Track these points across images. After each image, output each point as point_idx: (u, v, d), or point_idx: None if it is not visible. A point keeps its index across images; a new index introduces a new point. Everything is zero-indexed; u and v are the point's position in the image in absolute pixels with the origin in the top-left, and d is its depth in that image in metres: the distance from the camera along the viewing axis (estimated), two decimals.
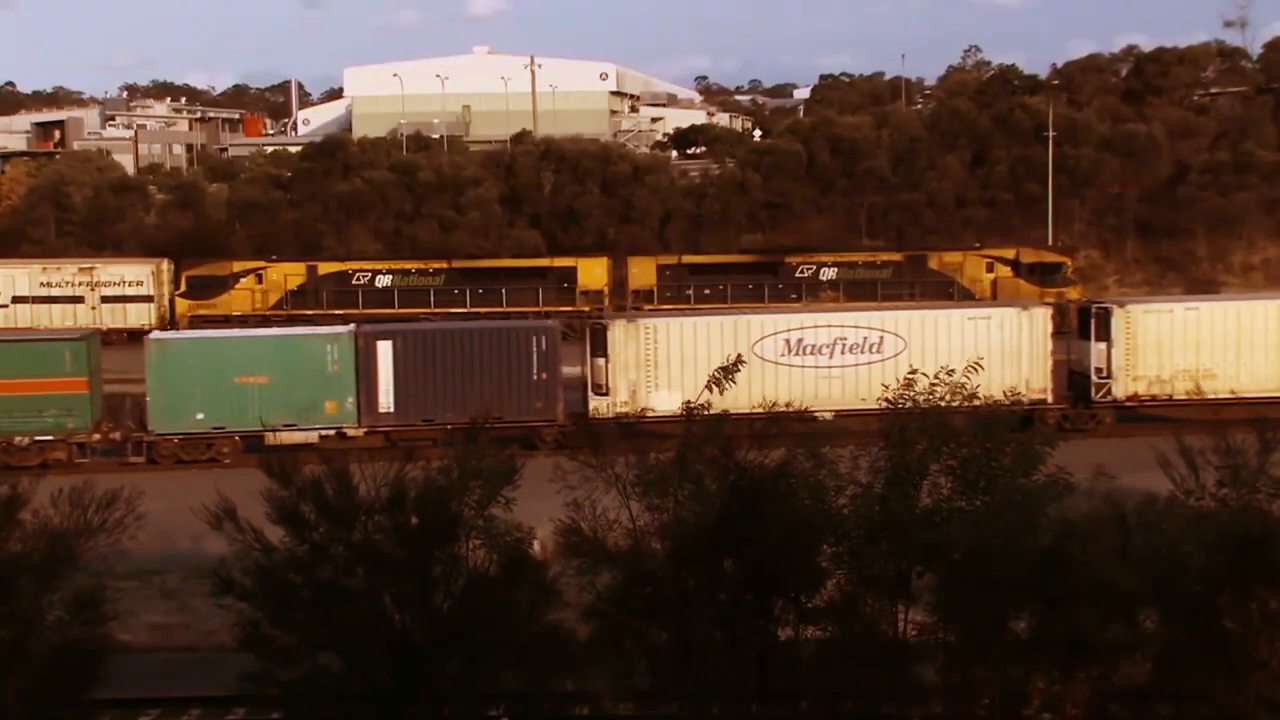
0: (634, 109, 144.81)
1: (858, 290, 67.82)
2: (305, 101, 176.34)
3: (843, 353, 46.08)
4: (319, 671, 18.11)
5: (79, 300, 68.67)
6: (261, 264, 70.24)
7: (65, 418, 43.43)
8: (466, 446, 18.89)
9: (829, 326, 46.52)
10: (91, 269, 69.71)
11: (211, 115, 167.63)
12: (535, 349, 45.20)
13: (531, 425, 44.41)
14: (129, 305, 68.74)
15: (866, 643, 18.60)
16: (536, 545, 19.99)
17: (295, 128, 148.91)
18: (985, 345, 43.69)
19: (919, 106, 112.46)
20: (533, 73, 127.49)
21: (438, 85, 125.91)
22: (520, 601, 18.30)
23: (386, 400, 44.50)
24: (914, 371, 20.18)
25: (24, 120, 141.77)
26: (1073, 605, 17.73)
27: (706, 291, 68.28)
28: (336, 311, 66.50)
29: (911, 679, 18.83)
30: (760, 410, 21.98)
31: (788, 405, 25.76)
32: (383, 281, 69.41)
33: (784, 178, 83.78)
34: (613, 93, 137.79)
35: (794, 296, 67.93)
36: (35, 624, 17.75)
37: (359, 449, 38.78)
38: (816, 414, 44.72)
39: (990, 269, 69.22)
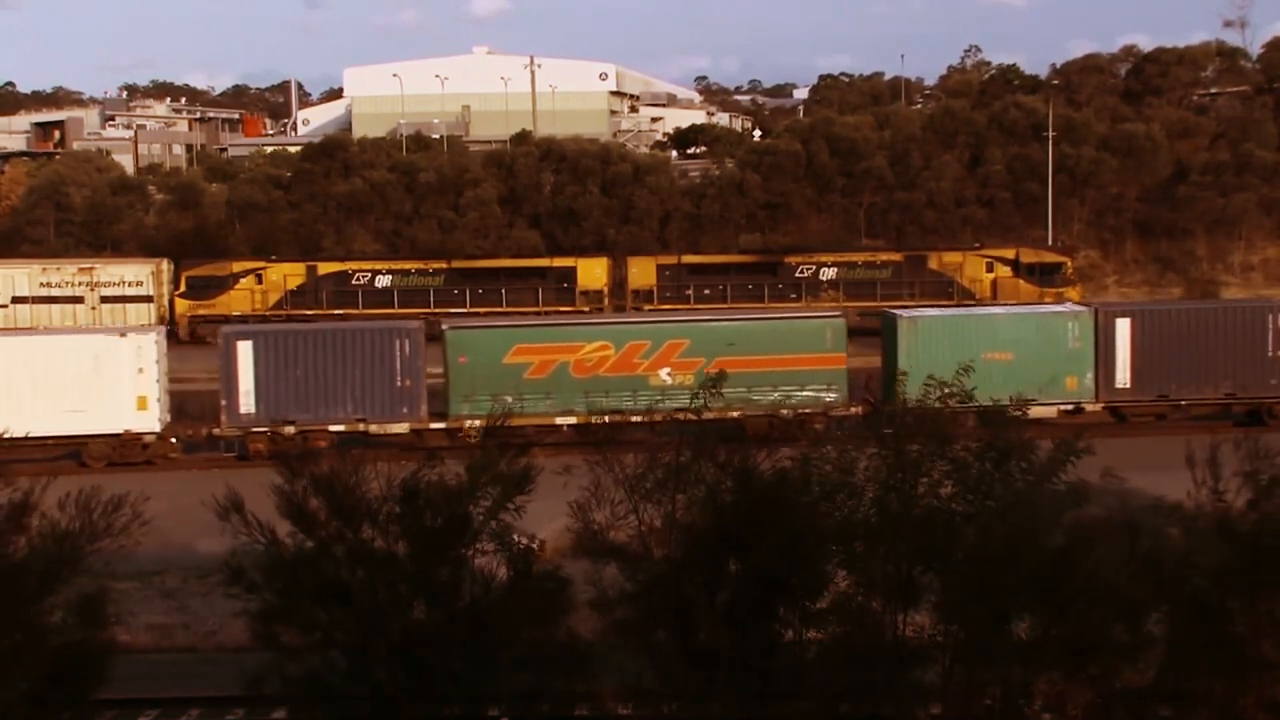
0: (634, 109, 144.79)
1: (857, 290, 67.76)
2: (305, 101, 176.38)
3: None
4: (321, 670, 18.07)
5: (79, 300, 68.55)
6: (261, 264, 70.22)
7: (825, 391, 46.02)
8: None
9: None
10: (91, 269, 69.63)
11: (211, 115, 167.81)
12: (1271, 326, 46.97)
13: (1266, 402, 46.64)
14: (128, 305, 68.66)
15: (868, 644, 18.54)
16: (538, 547, 19.94)
17: (295, 128, 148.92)
18: None
19: (919, 106, 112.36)
20: (532, 73, 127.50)
21: (438, 85, 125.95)
22: (526, 605, 18.25)
23: (1123, 376, 46.66)
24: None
25: (24, 120, 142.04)
26: (1078, 608, 17.67)
27: (706, 291, 68.25)
28: (336, 311, 66.60)
29: (913, 680, 18.77)
30: None
31: None
32: (382, 281, 69.44)
33: (783, 178, 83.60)
34: (612, 93, 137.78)
35: (793, 297, 67.96)
36: (38, 626, 17.71)
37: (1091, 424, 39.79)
38: None
39: (990, 269, 69.17)
